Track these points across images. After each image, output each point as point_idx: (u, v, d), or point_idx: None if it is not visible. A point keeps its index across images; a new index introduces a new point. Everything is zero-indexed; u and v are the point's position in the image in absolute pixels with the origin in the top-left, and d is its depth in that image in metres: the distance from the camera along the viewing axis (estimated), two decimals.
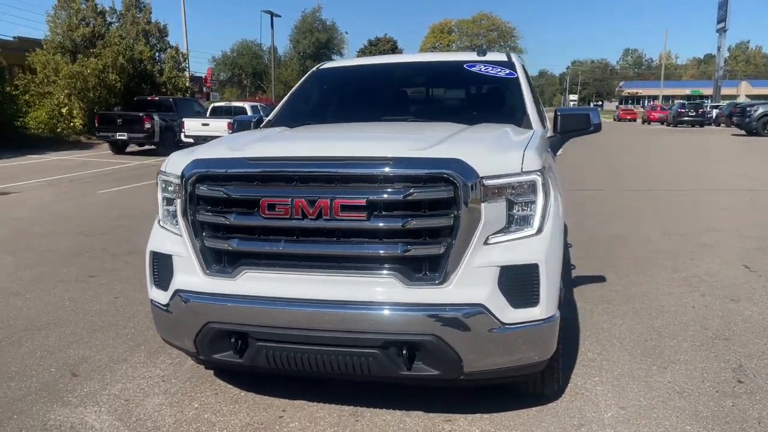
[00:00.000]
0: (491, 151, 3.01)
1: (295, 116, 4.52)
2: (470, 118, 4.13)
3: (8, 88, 23.61)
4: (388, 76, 4.77)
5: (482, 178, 2.80)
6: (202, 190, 3.03)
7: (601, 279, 5.92)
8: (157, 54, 29.76)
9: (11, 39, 28.91)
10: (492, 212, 2.84)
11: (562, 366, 3.74)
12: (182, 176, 3.08)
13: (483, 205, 2.81)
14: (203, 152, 3.22)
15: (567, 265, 6.43)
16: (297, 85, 4.91)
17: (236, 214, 2.98)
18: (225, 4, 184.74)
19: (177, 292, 3.11)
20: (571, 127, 4.06)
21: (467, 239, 2.80)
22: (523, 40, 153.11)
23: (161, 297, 3.22)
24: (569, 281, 5.81)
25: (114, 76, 26.16)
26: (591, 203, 10.57)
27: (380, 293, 2.84)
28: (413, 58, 4.97)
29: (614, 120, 65.45)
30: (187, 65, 31.13)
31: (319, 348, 2.91)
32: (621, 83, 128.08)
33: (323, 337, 2.89)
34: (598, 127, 4.14)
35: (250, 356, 3.04)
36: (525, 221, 2.94)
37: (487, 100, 4.52)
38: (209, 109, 25.08)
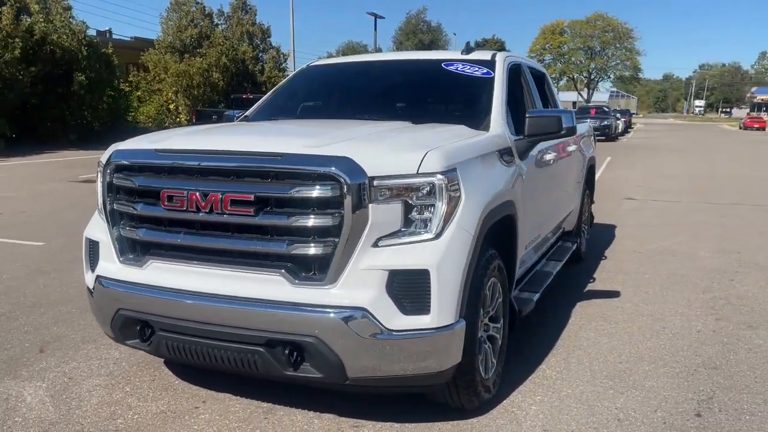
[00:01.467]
0: (389, 150, 2.90)
1: (274, 111, 4.57)
2: (433, 117, 4.02)
3: (122, 85, 25.50)
4: (366, 75, 4.70)
5: (372, 178, 2.70)
6: (118, 179, 3.14)
7: (614, 295, 5.53)
8: (259, 54, 31.12)
9: (129, 39, 31.29)
10: (383, 214, 2.73)
11: (503, 380, 3.56)
12: (103, 165, 3.21)
13: (371, 206, 2.71)
14: (127, 143, 3.32)
15: (582, 279, 6.17)
16: (284, 81, 4.96)
17: (143, 204, 3.05)
18: (332, 6, 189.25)
19: (98, 277, 3.24)
20: (539, 129, 3.81)
21: (354, 240, 2.71)
22: (643, 42, 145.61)
23: (89, 281, 3.36)
24: (580, 294, 5.50)
25: (217, 74, 27.61)
26: (659, 215, 9.90)
27: (266, 290, 2.81)
28: (395, 56, 4.85)
29: (740, 128, 60.72)
30: (287, 65, 32.35)
31: (211, 342, 2.93)
32: (753, 89, 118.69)
33: (214, 331, 2.90)
34: (571, 131, 3.86)
35: (154, 345, 3.11)
36: (424, 225, 2.80)
37: (456, 99, 4.33)
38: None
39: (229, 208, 2.80)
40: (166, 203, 2.94)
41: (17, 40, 18.46)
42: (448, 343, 2.82)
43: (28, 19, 19.82)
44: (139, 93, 26.98)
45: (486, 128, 3.74)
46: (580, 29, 75.54)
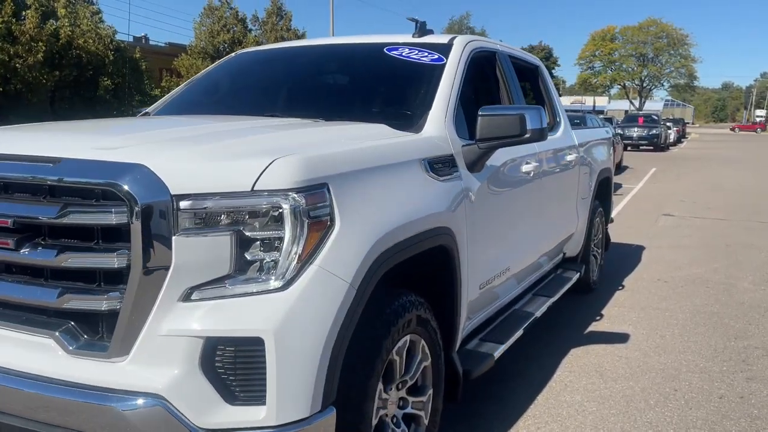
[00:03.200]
0: (212, 156, 1.99)
1: (183, 105, 3.71)
2: (360, 113, 3.14)
3: (154, 90, 25.31)
4: (294, 63, 3.81)
5: (178, 196, 1.81)
6: None
7: (621, 339, 4.48)
8: None
9: (163, 45, 31.29)
10: (197, 251, 1.83)
11: None
12: None
13: (177, 239, 1.81)
14: None
15: (587, 315, 5.08)
16: (204, 70, 4.11)
17: None
18: (372, 12, 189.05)
19: None
20: (495, 132, 2.84)
21: (149, 291, 1.82)
22: (699, 49, 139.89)
23: None
24: (579, 337, 4.48)
25: None
26: (697, 235, 8.67)
27: (37, 360, 1.94)
28: (335, 41, 3.95)
29: None
30: None
31: None
32: None
33: None
34: (538, 135, 2.88)
35: None
36: (266, 269, 1.89)
37: (393, 92, 3.39)
38: None
39: None
40: None
41: (41, 43, 18.31)
42: None
43: (54, 24, 19.73)
44: None
45: (418, 129, 2.81)
46: (632, 35, 72.75)
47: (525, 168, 3.60)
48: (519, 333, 3.50)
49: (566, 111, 5.13)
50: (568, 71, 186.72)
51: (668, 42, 71.94)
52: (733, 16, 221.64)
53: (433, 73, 3.16)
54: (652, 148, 29.98)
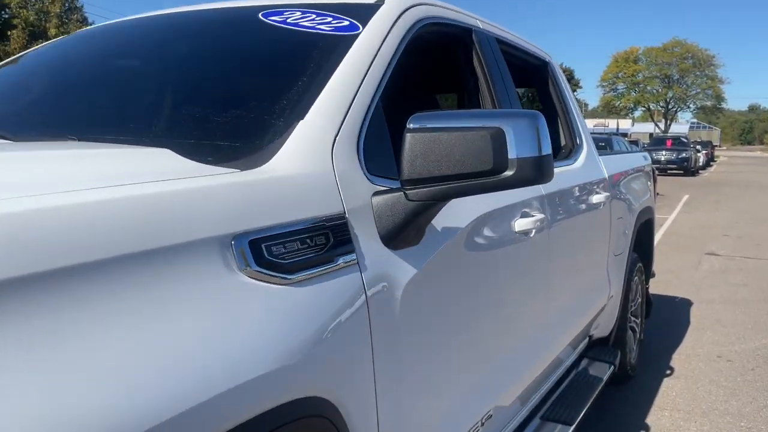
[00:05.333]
0: None
1: None
2: (160, 124, 1.64)
3: None
4: (134, 41, 2.25)
5: None
6: None
7: None
8: None
9: None
10: None
11: None
12: None
13: None
14: None
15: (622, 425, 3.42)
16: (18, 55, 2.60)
17: None
18: None
19: None
20: (439, 166, 1.31)
21: None
22: (726, 69, 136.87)
23: None
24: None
25: None
26: (754, 283, 6.97)
27: None
28: (202, 6, 2.42)
29: None
30: None
31: None
32: None
33: None
34: (533, 171, 1.35)
35: None
36: None
37: (253, 86, 1.82)
38: None
39: None
40: None
41: None
42: None
43: (43, 43, 18.80)
44: None
45: (261, 158, 1.28)
46: (656, 56, 70.88)
47: (520, 225, 2.06)
48: None
49: (591, 134, 3.60)
50: (590, 93, 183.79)
51: (694, 63, 69.98)
52: (760, 36, 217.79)
53: (331, 50, 1.64)
54: (682, 172, 28.24)
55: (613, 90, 74.49)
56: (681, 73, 70.54)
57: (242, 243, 1.04)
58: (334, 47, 1.62)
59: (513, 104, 2.36)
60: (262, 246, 1.07)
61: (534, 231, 2.16)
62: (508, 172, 1.34)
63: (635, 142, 27.58)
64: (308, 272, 1.15)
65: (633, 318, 4.16)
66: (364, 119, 1.49)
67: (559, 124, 3.17)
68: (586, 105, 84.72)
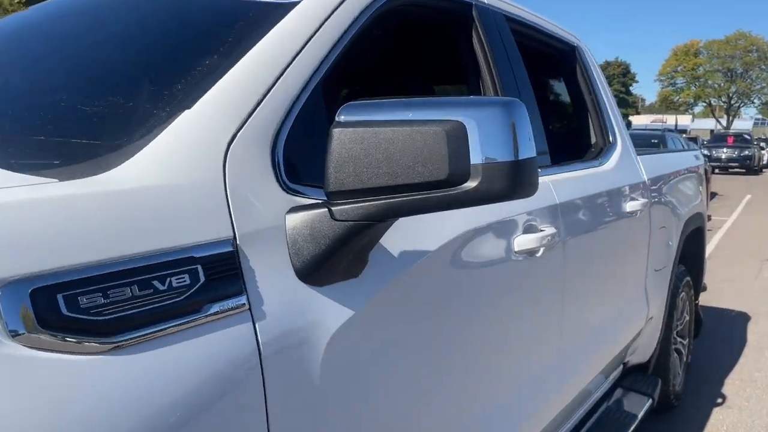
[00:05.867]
0: None
1: None
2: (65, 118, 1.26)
3: None
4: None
5: None
6: None
7: None
8: None
9: None
10: None
11: None
12: None
13: None
14: None
15: None
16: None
17: None
18: None
19: None
20: (372, 176, 0.94)
21: None
22: None
23: None
24: None
25: None
26: None
27: None
28: None
29: None
30: None
31: None
32: None
33: None
34: (505, 185, 0.96)
35: None
36: None
37: (143, 57, 1.39)
38: None
39: None
40: None
41: None
42: None
43: None
44: None
45: (111, 162, 0.93)
46: (718, 49, 67.82)
47: (521, 244, 1.65)
48: None
49: (644, 130, 3.12)
50: (647, 88, 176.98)
51: (759, 56, 66.73)
52: None
53: (253, 22, 1.26)
54: (744, 170, 26.94)
55: (671, 84, 71.68)
56: (745, 67, 67.30)
57: (16, 293, 0.69)
58: (259, 18, 1.26)
59: (524, 99, 1.95)
60: (58, 296, 0.72)
61: (542, 249, 1.75)
62: (471, 183, 0.95)
63: (694, 139, 26.38)
64: (148, 330, 0.79)
65: (679, 339, 3.67)
66: (289, 112, 1.12)
67: (590, 120, 2.72)
68: (643, 100, 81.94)
